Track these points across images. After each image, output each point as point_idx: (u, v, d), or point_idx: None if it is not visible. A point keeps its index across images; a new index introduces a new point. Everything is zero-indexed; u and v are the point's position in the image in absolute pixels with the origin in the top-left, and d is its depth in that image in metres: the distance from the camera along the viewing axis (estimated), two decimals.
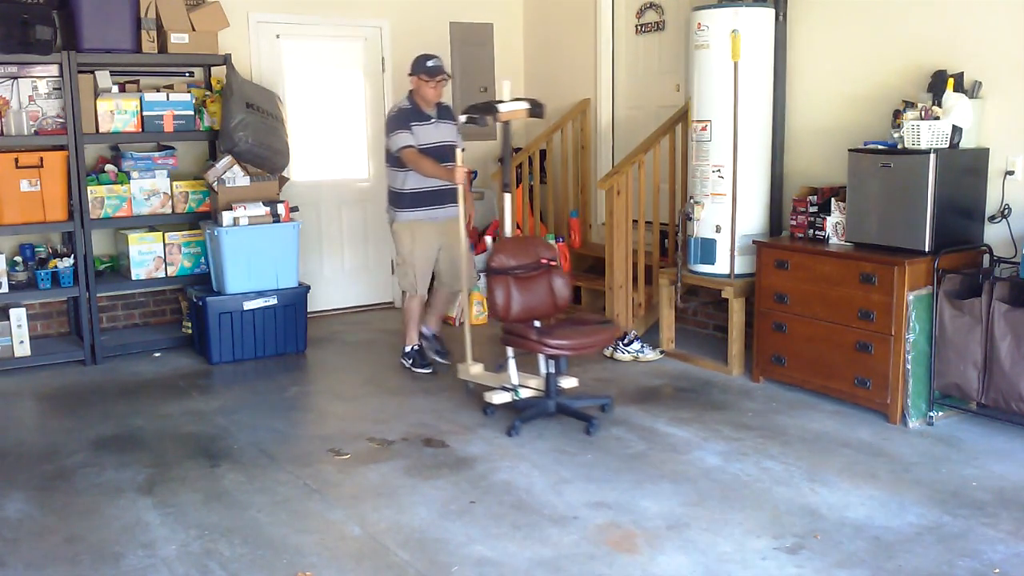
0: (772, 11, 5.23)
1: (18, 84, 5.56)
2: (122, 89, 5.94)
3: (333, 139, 6.99)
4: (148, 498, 3.76)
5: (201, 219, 6.05)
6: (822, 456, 4.07)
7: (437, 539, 3.36)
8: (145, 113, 5.83)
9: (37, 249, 5.85)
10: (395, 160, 5.27)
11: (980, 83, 4.48)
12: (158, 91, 5.98)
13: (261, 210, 5.80)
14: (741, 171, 5.20)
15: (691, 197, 5.43)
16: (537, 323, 4.61)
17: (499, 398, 4.64)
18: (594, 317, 4.86)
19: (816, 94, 5.33)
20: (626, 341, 5.65)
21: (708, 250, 5.32)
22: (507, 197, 4.99)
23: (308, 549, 3.31)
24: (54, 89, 5.64)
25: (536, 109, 4.89)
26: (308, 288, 6.03)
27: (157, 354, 5.96)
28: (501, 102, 4.80)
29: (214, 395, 5.17)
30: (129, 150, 6.01)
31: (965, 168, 4.45)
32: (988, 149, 4.51)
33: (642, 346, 5.63)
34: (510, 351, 4.65)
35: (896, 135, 4.49)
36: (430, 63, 5.20)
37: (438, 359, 5.61)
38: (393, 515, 3.57)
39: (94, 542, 3.39)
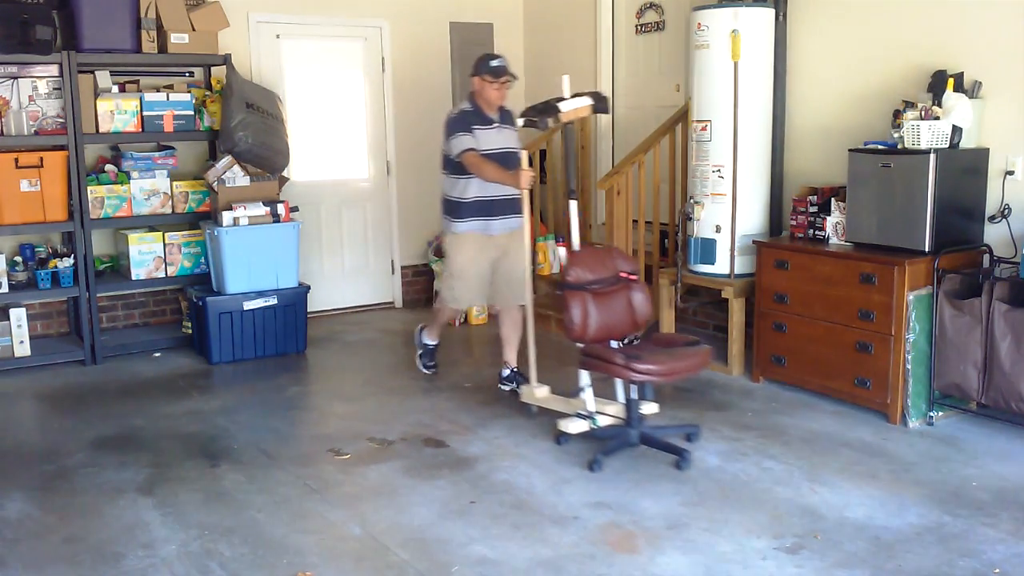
0: (772, 11, 5.23)
1: (18, 84, 5.56)
2: (122, 89, 5.94)
3: (333, 139, 6.99)
4: (148, 498, 3.76)
5: (201, 219, 6.05)
6: (822, 456, 4.07)
7: (437, 539, 3.36)
8: (145, 113, 5.83)
9: (37, 249, 5.84)
10: (454, 166, 4.86)
11: (980, 83, 4.48)
12: (158, 91, 5.98)
13: (261, 210, 5.80)
14: (741, 171, 5.20)
15: (691, 197, 5.43)
16: (614, 343, 4.19)
17: (575, 427, 4.17)
18: (680, 337, 4.28)
19: (816, 94, 5.33)
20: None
21: (708, 250, 5.32)
22: (573, 205, 4.57)
23: (308, 549, 3.31)
24: (54, 89, 5.64)
25: (600, 104, 4.45)
26: (308, 288, 6.03)
27: (157, 354, 5.96)
28: (562, 100, 4.36)
29: (214, 395, 5.17)
30: (129, 150, 6.01)
31: (965, 168, 4.45)
32: (988, 149, 4.51)
33: None
34: (586, 375, 4.20)
35: (896, 135, 4.49)
36: (494, 63, 4.79)
37: (513, 387, 5.06)
38: (393, 515, 3.57)
39: (94, 542, 3.39)
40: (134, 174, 5.91)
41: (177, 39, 5.86)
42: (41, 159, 5.52)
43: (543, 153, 7.19)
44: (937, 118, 4.35)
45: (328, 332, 6.50)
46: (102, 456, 4.24)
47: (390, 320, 6.91)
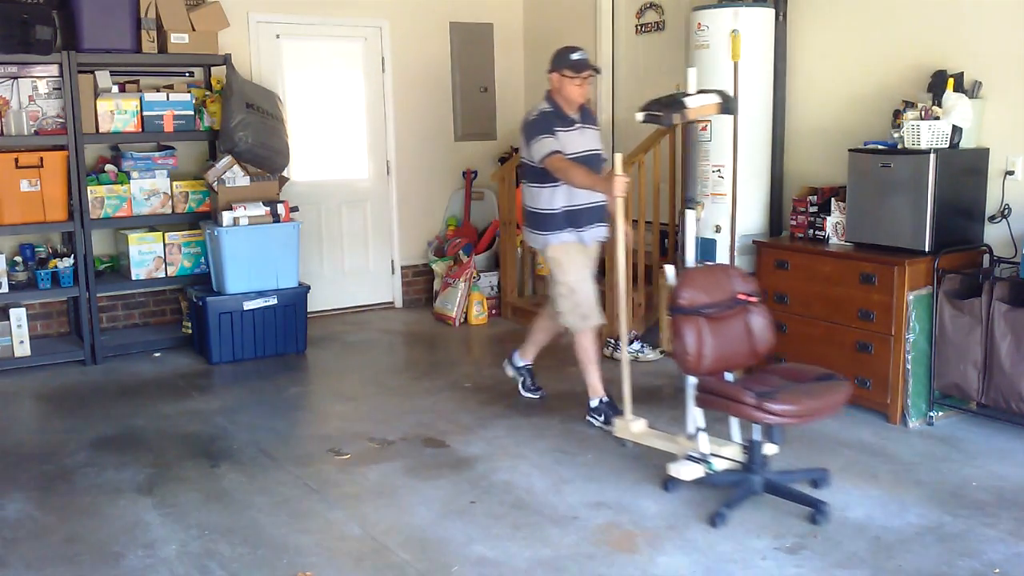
0: (772, 11, 5.23)
1: (18, 84, 5.56)
2: (122, 89, 5.94)
3: (333, 139, 6.99)
4: (148, 498, 3.76)
5: (201, 219, 6.05)
6: (822, 456, 4.07)
7: (437, 539, 3.36)
8: (145, 113, 5.83)
9: (37, 249, 5.85)
10: (537, 174, 4.40)
11: (980, 83, 4.48)
12: (158, 91, 5.98)
13: (261, 210, 5.80)
14: (741, 171, 5.20)
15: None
16: (730, 375, 3.72)
17: (687, 472, 3.68)
18: (810, 369, 3.69)
19: (816, 94, 5.33)
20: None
21: (708, 250, 5.31)
22: (690, 215, 3.97)
23: (308, 549, 3.31)
24: (54, 89, 5.64)
25: (727, 104, 4.01)
26: (308, 288, 6.03)
27: (157, 354, 5.96)
28: (687, 95, 3.89)
29: (214, 395, 5.17)
30: (129, 150, 6.01)
31: (965, 168, 4.45)
32: (988, 149, 4.51)
33: (642, 346, 5.63)
34: (699, 414, 3.71)
35: (896, 135, 4.49)
36: (575, 56, 4.36)
37: (527, 394, 4.91)
38: (393, 515, 3.58)
39: (94, 542, 3.39)
40: (134, 174, 5.91)
41: (177, 39, 5.86)
42: (41, 159, 5.52)
43: None
44: (937, 118, 4.35)
45: (328, 332, 6.50)
46: (102, 456, 4.24)
47: (390, 320, 6.91)
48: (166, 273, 6.02)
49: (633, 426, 4.13)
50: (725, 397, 3.43)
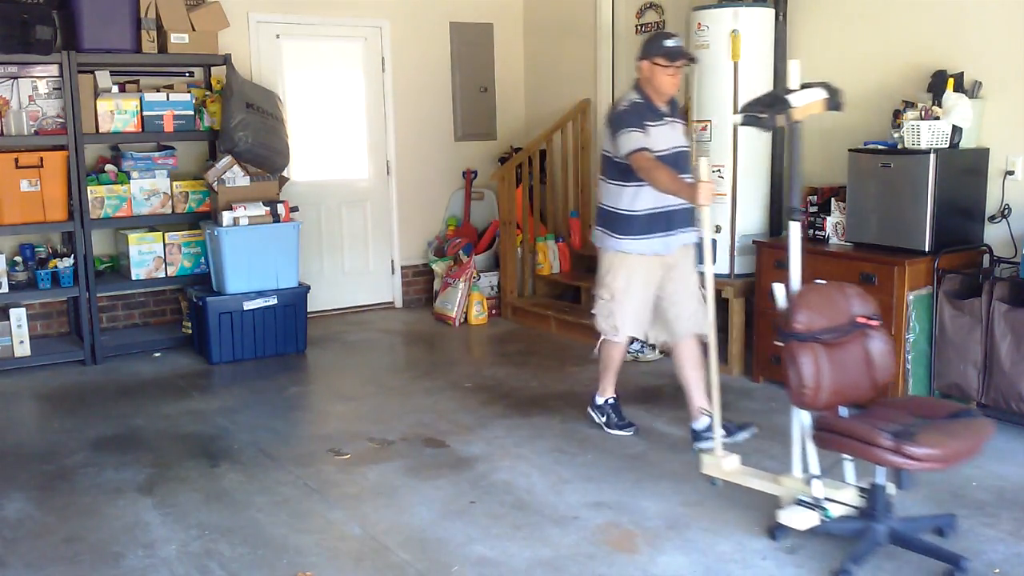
0: (772, 11, 5.23)
1: (18, 84, 5.56)
2: (122, 89, 5.94)
3: (333, 139, 6.99)
4: (148, 498, 3.76)
5: (201, 219, 6.05)
6: (822, 456, 4.05)
7: (437, 539, 3.36)
8: (145, 113, 5.83)
9: (37, 249, 5.85)
10: (620, 170, 4.05)
11: (980, 83, 4.48)
12: (158, 91, 5.98)
13: (261, 210, 5.80)
14: (741, 171, 5.20)
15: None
16: (844, 410, 3.29)
17: (799, 519, 3.21)
18: (940, 404, 3.28)
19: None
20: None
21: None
22: (795, 227, 3.39)
23: (308, 549, 3.31)
24: (54, 89, 5.64)
25: (834, 99, 3.44)
26: (308, 288, 6.03)
27: (157, 354, 5.96)
28: (790, 91, 3.36)
29: (214, 395, 5.17)
30: (129, 150, 6.01)
31: (965, 168, 4.45)
32: (988, 149, 4.51)
33: (642, 346, 5.63)
34: (813, 455, 3.25)
35: (896, 135, 4.49)
36: (669, 43, 3.98)
37: (729, 438, 4.04)
38: (393, 515, 3.58)
39: (94, 542, 3.39)
40: (134, 174, 5.91)
41: (177, 39, 5.86)
42: (41, 159, 5.52)
43: (543, 153, 7.18)
44: (937, 118, 4.35)
45: (328, 332, 6.50)
46: (102, 456, 4.24)
47: (390, 320, 6.91)
48: (166, 273, 6.02)
49: (725, 463, 3.61)
50: (854, 438, 3.00)
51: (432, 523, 3.49)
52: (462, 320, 6.72)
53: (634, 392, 5.03)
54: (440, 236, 7.36)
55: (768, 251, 4.96)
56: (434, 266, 7.13)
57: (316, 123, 6.88)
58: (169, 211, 6.01)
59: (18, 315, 5.67)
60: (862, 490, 3.24)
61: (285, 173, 6.16)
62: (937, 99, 4.43)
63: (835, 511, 3.21)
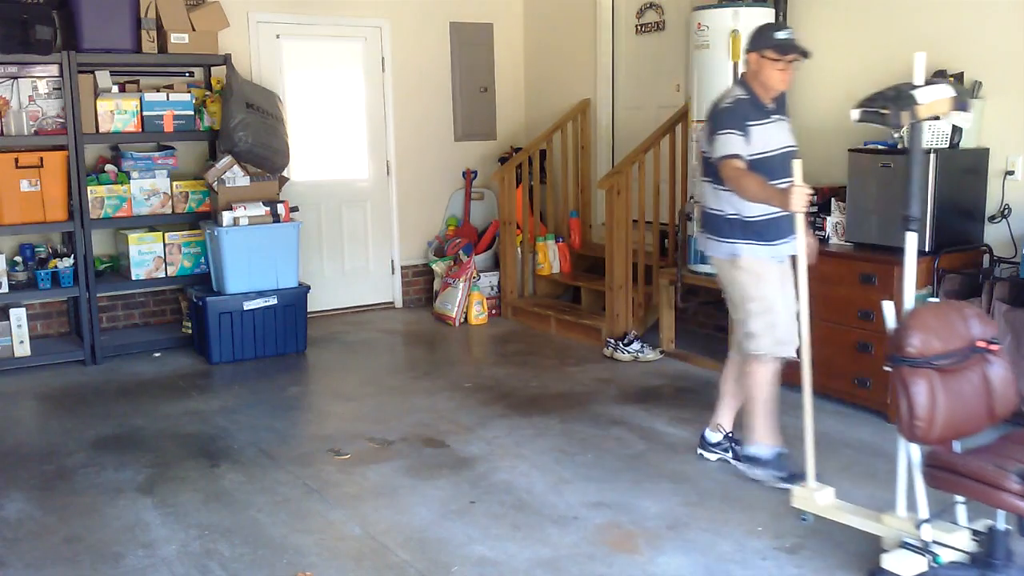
0: (772, 11, 5.23)
1: (18, 84, 5.56)
2: (122, 89, 5.94)
3: (333, 139, 6.99)
4: (148, 498, 3.76)
5: (201, 219, 6.05)
6: (822, 456, 4.04)
7: (437, 539, 3.36)
8: (145, 113, 5.83)
9: (37, 249, 5.85)
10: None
11: (980, 83, 4.48)
12: (158, 91, 5.98)
13: (261, 210, 5.80)
14: None
15: (691, 197, 5.43)
16: (958, 445, 2.98)
17: (907, 566, 2.91)
18: None
19: (816, 94, 5.32)
20: (626, 341, 5.65)
21: None
22: (911, 239, 3.14)
23: (308, 549, 3.31)
24: (54, 89, 5.64)
25: (962, 98, 3.18)
26: (308, 288, 6.03)
27: (157, 354, 5.96)
28: (916, 87, 3.05)
29: (214, 395, 5.17)
30: (129, 150, 6.01)
31: (965, 168, 4.45)
32: (988, 149, 4.51)
33: (642, 346, 5.63)
34: (922, 498, 2.95)
35: (896, 135, 4.49)
36: (780, 35, 3.69)
37: (739, 465, 3.91)
38: (393, 515, 3.57)
39: (94, 542, 3.39)
40: (134, 174, 5.91)
41: (177, 39, 5.86)
42: (41, 159, 5.52)
43: (543, 153, 7.19)
44: (937, 118, 4.33)
45: (328, 332, 6.51)
46: (102, 456, 4.24)
47: (390, 320, 6.91)
48: (166, 273, 6.02)
49: (818, 497, 3.29)
50: (977, 480, 2.68)
51: (432, 523, 3.49)
52: (462, 320, 6.72)
53: (634, 392, 5.03)
54: (440, 236, 7.36)
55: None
56: (434, 266, 7.13)
57: (316, 123, 6.88)
58: (169, 211, 6.01)
59: (18, 315, 5.67)
60: (976, 533, 2.91)
61: (285, 173, 6.16)
62: None
63: (945, 556, 2.89)
